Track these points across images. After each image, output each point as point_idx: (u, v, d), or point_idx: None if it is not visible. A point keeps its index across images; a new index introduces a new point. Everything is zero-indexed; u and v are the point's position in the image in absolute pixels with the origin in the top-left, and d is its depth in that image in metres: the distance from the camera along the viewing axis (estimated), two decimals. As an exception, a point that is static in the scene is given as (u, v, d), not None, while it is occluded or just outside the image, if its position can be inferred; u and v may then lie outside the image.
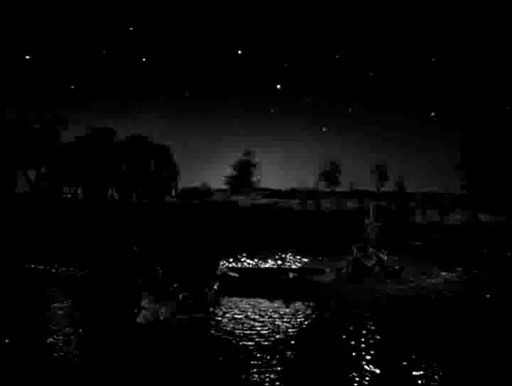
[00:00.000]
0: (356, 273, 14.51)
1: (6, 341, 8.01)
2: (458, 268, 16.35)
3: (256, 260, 17.58)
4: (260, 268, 15.22)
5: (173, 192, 52.98)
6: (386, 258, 14.85)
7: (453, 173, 49.58)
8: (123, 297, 11.24)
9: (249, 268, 15.51)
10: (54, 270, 14.70)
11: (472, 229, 34.72)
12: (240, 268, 14.79)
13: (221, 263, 15.50)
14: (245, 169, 56.15)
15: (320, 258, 18.16)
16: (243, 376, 6.79)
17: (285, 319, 9.74)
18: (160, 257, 16.93)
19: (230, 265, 15.32)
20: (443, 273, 15.39)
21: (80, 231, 27.17)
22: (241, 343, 8.13)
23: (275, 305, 11.00)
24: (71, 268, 15.00)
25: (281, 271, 13.94)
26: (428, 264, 17.11)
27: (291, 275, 13.26)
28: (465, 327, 9.49)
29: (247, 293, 12.02)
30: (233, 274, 13.17)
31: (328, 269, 13.95)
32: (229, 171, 56.53)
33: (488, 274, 15.70)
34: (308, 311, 10.50)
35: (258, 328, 9.06)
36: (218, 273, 13.37)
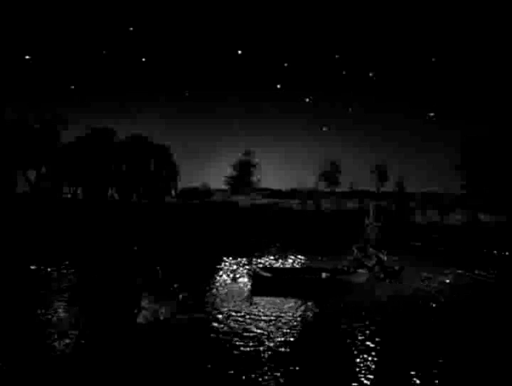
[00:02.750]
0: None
1: (6, 341, 8.02)
2: (458, 269, 16.35)
3: (256, 260, 17.57)
4: (293, 268, 15.16)
5: (173, 192, 52.96)
6: (385, 258, 14.84)
7: (453, 173, 49.64)
8: (123, 297, 11.24)
9: (282, 267, 15.57)
10: (54, 271, 14.69)
11: (472, 229, 34.72)
12: (273, 267, 14.86)
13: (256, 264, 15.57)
14: (245, 169, 56.16)
15: (320, 258, 18.16)
16: (243, 376, 6.79)
17: (285, 318, 9.73)
18: (160, 257, 16.94)
19: (262, 265, 15.36)
20: (443, 274, 15.39)
21: (80, 231, 27.17)
22: (241, 343, 8.13)
23: (276, 305, 10.99)
24: (71, 269, 14.99)
25: (314, 271, 13.92)
26: (428, 264, 17.11)
27: (323, 275, 13.29)
28: (465, 327, 9.49)
29: (279, 292, 12.03)
30: (265, 274, 13.18)
31: (361, 270, 13.97)
32: (229, 171, 56.58)
33: (487, 274, 15.69)
34: (308, 311, 10.50)
35: (259, 328, 9.05)
36: (251, 272, 13.39)
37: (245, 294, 11.89)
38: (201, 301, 10.99)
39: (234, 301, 11.09)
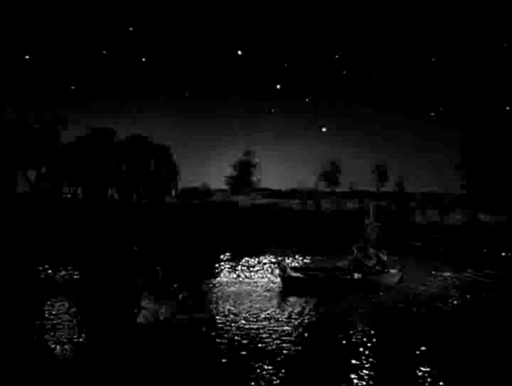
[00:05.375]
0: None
1: (7, 341, 8.02)
2: (458, 269, 16.35)
3: (257, 260, 17.58)
4: (324, 268, 15.17)
5: (173, 192, 52.94)
6: (385, 258, 14.84)
7: (453, 173, 49.61)
8: (123, 297, 11.23)
9: (314, 268, 15.53)
10: (53, 271, 14.69)
11: (472, 229, 34.71)
12: (304, 268, 14.86)
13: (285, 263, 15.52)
14: (245, 169, 56.13)
15: (320, 258, 18.16)
16: (243, 376, 6.79)
17: (286, 318, 9.73)
18: (160, 257, 16.92)
19: (293, 265, 15.34)
20: (443, 273, 15.39)
21: (80, 231, 27.16)
22: (241, 343, 8.12)
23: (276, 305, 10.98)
24: (70, 269, 14.99)
25: (346, 271, 13.95)
26: (428, 264, 17.11)
27: (355, 276, 13.29)
28: (464, 327, 9.49)
29: (311, 293, 12.02)
30: (296, 274, 13.15)
31: (393, 270, 13.97)
32: (229, 171, 56.54)
33: (487, 274, 15.69)
34: (308, 310, 10.49)
35: (261, 328, 9.05)
36: (281, 273, 13.35)
37: (275, 295, 11.89)
38: (201, 301, 10.99)
39: (234, 301, 11.09)
